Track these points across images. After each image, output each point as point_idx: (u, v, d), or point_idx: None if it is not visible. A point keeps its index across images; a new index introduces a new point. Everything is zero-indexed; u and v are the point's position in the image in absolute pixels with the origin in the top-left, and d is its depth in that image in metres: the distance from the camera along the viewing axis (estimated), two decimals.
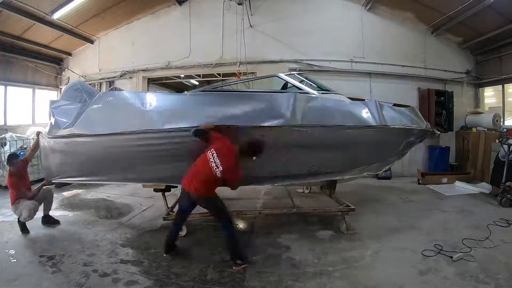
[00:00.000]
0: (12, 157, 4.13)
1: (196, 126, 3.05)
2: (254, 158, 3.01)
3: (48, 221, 4.17)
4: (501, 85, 7.48)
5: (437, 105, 7.38)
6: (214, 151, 2.94)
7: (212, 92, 3.84)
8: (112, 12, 7.58)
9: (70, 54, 9.15)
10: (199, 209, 3.30)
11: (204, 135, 3.03)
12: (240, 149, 2.98)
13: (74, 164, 3.87)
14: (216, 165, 2.89)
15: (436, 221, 4.29)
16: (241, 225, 4.26)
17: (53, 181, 4.19)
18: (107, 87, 8.47)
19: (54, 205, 4.89)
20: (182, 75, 9.25)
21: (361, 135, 3.56)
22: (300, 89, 3.84)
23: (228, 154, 2.93)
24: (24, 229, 3.81)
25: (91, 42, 8.77)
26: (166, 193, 4.11)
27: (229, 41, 7.29)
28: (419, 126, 4.00)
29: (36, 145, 4.20)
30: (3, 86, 7.82)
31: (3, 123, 7.79)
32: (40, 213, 4.19)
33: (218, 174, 2.88)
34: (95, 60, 8.78)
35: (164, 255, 3.23)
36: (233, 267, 2.97)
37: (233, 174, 2.98)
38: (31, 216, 3.78)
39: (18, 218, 3.82)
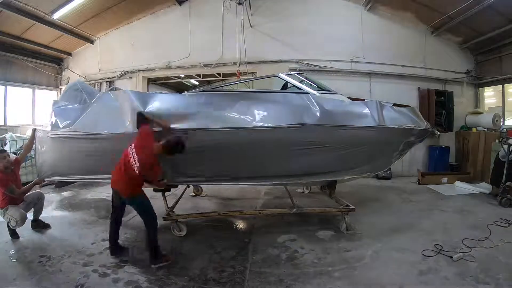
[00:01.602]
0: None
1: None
2: (174, 156, 2.94)
3: (38, 225, 3.88)
4: (501, 85, 7.48)
5: (437, 105, 7.38)
6: (133, 146, 2.87)
7: (212, 92, 3.85)
8: (112, 12, 7.60)
9: (70, 54, 9.17)
10: (198, 209, 3.29)
11: (141, 121, 3.02)
12: (164, 146, 2.88)
13: (71, 163, 3.76)
14: (134, 161, 2.80)
15: (436, 221, 4.29)
16: (241, 225, 4.26)
17: (45, 180, 4.02)
18: (107, 87, 8.48)
19: (54, 205, 4.93)
20: (182, 75, 9.26)
21: (361, 135, 3.57)
22: (300, 89, 3.85)
23: (145, 150, 2.82)
24: (13, 234, 3.55)
25: (91, 42, 8.78)
26: (166, 193, 4.10)
27: (229, 41, 7.29)
28: (419, 126, 4.00)
29: (31, 143, 3.99)
30: (3, 86, 7.84)
31: (3, 123, 7.81)
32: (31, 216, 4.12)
33: (136, 170, 2.79)
34: (95, 60, 8.78)
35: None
36: (152, 266, 2.93)
37: (148, 171, 2.85)
38: (19, 225, 3.48)
39: (7, 224, 3.52)
